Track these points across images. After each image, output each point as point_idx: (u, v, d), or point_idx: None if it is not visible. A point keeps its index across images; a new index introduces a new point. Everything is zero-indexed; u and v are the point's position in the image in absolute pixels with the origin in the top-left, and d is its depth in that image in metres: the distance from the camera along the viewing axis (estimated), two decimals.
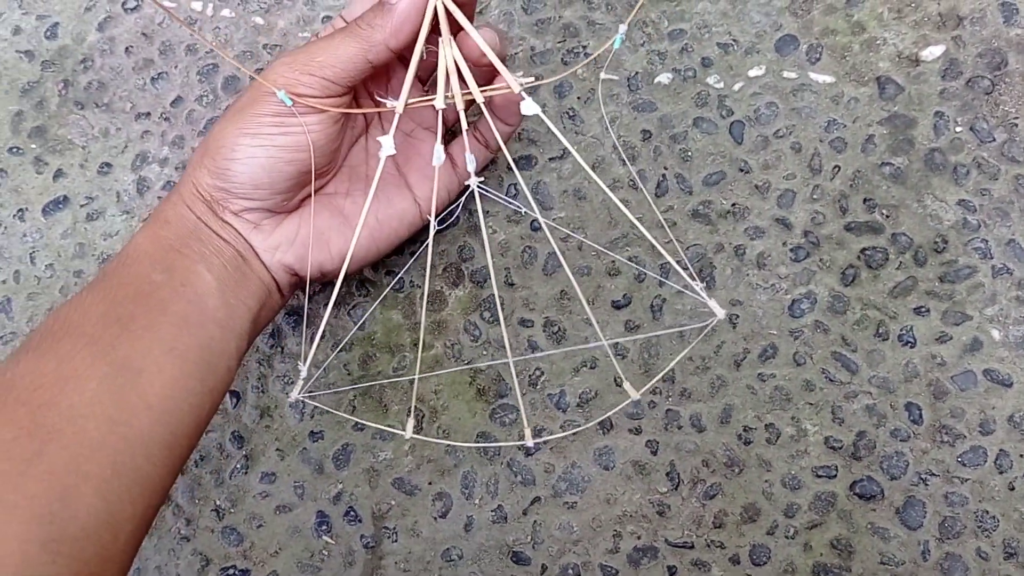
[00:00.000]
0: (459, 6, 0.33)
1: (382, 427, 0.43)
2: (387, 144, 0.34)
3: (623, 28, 0.32)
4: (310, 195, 0.38)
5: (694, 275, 0.42)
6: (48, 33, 0.52)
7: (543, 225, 0.40)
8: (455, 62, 0.34)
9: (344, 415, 0.44)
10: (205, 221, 0.36)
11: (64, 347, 0.31)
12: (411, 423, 0.38)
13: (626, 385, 0.38)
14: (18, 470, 0.27)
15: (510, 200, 0.43)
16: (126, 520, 0.29)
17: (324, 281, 0.42)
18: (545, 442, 0.42)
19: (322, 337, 0.45)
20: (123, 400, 0.30)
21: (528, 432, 0.38)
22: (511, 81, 0.34)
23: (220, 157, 0.35)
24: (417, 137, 0.41)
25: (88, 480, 0.28)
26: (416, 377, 0.43)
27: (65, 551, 0.27)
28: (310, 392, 0.43)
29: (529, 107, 0.34)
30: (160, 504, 0.32)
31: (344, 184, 0.40)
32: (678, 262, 0.43)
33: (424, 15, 0.33)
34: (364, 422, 0.43)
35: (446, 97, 0.35)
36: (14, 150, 0.50)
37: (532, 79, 0.35)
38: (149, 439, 0.31)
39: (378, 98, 0.39)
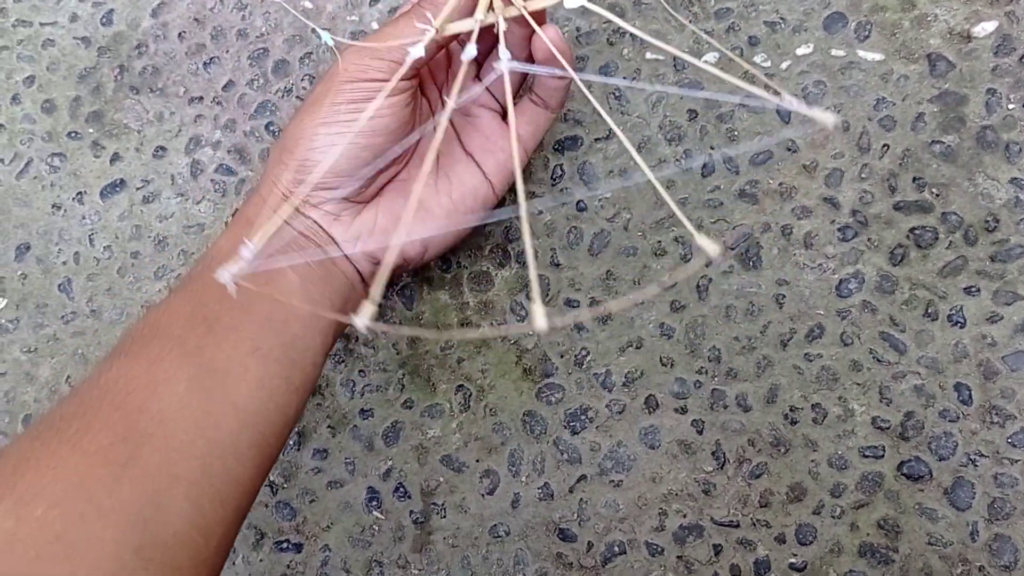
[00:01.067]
0: None
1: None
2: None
3: None
4: (387, 183, 0.39)
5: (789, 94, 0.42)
6: (104, 19, 0.53)
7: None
8: None
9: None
10: (286, 219, 0.37)
11: (153, 350, 0.31)
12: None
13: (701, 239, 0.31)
14: (113, 475, 0.27)
15: (538, 67, 0.38)
16: (216, 523, 0.30)
17: (409, 268, 0.42)
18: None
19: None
20: (211, 402, 0.31)
21: (539, 309, 0.38)
22: None
23: (300, 149, 0.36)
24: (475, 114, 0.42)
25: (178, 483, 0.29)
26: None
27: (158, 557, 0.27)
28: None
29: (572, 1, 0.33)
30: (250, 505, 0.32)
31: (417, 170, 0.40)
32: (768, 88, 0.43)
33: None
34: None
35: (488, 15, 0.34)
36: (73, 135, 0.51)
37: None
38: (237, 440, 0.31)
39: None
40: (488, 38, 0.37)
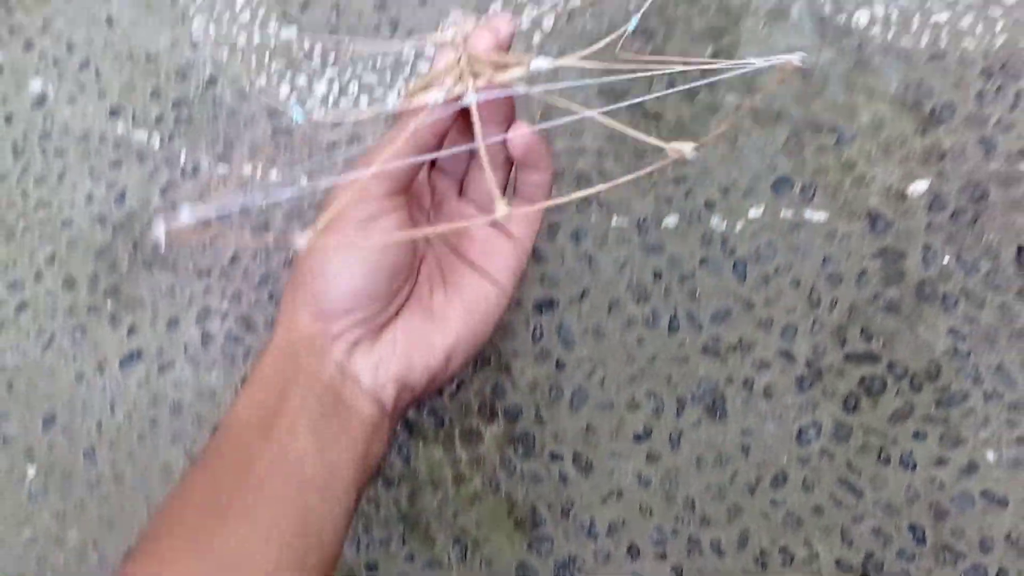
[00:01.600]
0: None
1: None
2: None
3: (635, 18, 0.35)
4: (402, 304, 0.40)
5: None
6: (117, 199, 0.58)
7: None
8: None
9: None
10: (303, 363, 0.36)
11: (165, 549, 0.33)
12: None
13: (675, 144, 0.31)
14: None
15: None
16: None
17: (435, 388, 0.42)
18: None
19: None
20: None
21: (500, 201, 0.42)
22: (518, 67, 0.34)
23: (317, 282, 0.37)
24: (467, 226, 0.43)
25: None
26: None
27: None
28: None
29: (539, 63, 0.33)
30: None
31: (425, 282, 0.41)
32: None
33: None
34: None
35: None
36: (92, 309, 0.56)
37: (541, 58, 0.34)
38: None
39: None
40: (464, 160, 0.41)
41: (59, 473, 0.54)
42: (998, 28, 0.49)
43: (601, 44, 0.36)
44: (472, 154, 0.39)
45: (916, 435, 0.45)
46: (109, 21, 0.63)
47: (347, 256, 0.37)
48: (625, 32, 0.36)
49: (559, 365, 0.49)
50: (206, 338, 0.54)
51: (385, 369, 0.38)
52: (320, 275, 0.37)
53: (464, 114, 0.37)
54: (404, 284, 0.39)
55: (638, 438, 0.48)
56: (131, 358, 0.55)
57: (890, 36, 0.51)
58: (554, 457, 0.48)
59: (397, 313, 0.39)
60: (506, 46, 0.37)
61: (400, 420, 0.43)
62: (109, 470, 0.53)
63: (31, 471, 0.54)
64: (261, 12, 0.61)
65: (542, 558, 0.47)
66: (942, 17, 0.50)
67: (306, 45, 0.59)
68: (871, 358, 0.46)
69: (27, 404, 0.55)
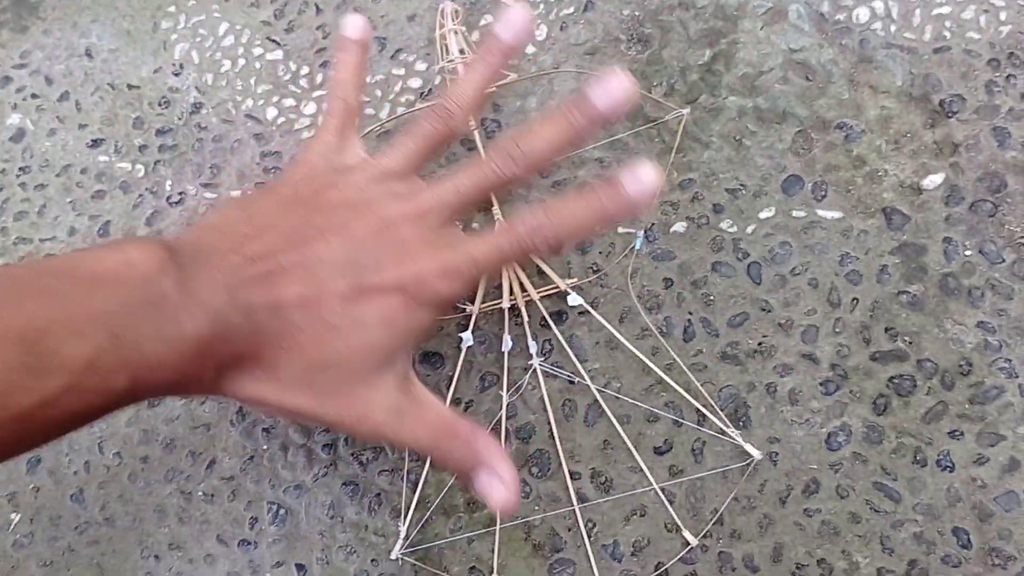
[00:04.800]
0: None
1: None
2: (467, 337, 0.46)
3: (640, 235, 0.37)
4: None
5: (726, 421, 0.44)
6: (100, 231, 0.55)
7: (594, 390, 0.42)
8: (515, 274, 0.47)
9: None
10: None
11: None
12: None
13: (685, 533, 0.41)
14: None
15: (570, 375, 0.47)
16: None
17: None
18: None
19: (416, 491, 0.47)
20: None
21: None
22: (559, 283, 0.44)
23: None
24: None
25: None
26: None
27: None
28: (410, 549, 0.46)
29: (574, 299, 0.46)
30: None
31: None
32: (706, 407, 0.45)
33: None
34: None
35: (510, 299, 0.46)
36: None
37: (576, 280, 0.46)
38: None
39: (457, 304, 0.46)
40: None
41: (46, 518, 0.50)
42: (1002, 17, 0.48)
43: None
44: None
45: (952, 434, 0.43)
46: (89, 52, 0.61)
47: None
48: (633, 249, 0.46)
49: (571, 380, 0.47)
50: None
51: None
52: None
53: None
54: None
55: (659, 452, 0.45)
56: None
57: (892, 30, 0.50)
58: (572, 476, 0.46)
59: None
60: (524, 41, 0.37)
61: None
62: (99, 513, 0.50)
63: (15, 517, 0.51)
64: (245, 36, 0.59)
65: None
66: (944, 9, 0.49)
67: (292, 67, 0.58)
68: (899, 357, 0.44)
69: None
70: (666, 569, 0.43)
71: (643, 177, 0.33)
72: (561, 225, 0.35)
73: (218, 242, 0.34)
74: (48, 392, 0.28)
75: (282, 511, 0.48)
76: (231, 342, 0.32)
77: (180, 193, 0.55)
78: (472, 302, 0.47)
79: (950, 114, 0.47)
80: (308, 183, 0.38)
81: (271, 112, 0.57)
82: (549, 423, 0.46)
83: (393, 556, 0.44)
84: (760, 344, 0.46)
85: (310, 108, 0.56)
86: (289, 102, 0.57)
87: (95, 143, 0.58)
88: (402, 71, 0.55)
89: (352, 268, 0.34)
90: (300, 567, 0.47)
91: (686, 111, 0.50)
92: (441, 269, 0.35)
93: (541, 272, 0.48)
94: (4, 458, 0.30)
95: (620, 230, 0.49)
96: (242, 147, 0.56)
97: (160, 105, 0.59)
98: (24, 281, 0.30)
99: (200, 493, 0.49)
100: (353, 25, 0.42)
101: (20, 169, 0.59)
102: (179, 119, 0.58)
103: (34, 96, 0.61)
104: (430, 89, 0.55)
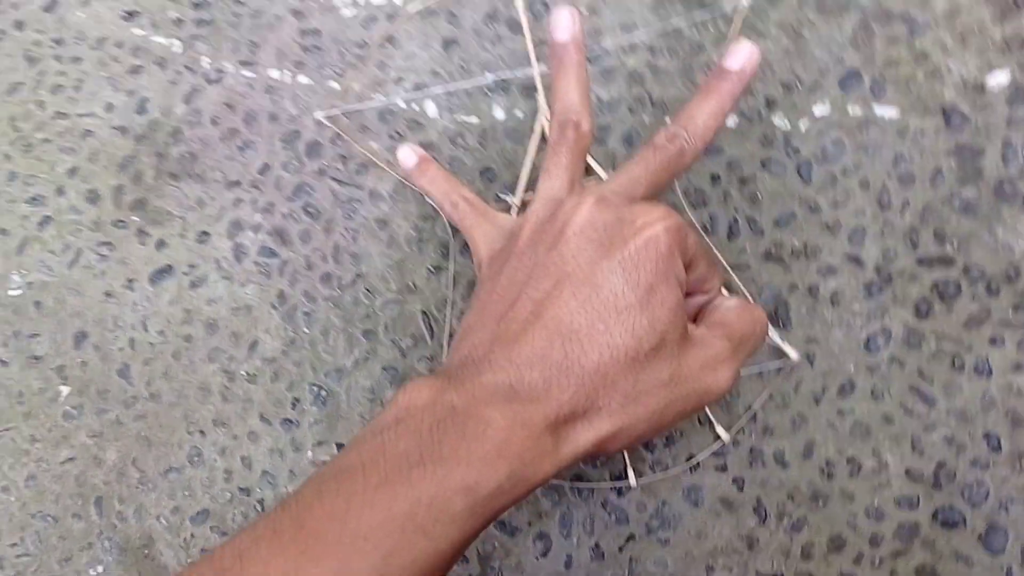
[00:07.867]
0: None
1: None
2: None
3: None
4: None
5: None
6: (138, 108, 0.55)
7: None
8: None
9: None
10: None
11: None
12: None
13: (717, 428, 0.42)
14: None
15: None
16: None
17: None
18: (646, 484, 0.45)
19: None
20: None
21: (632, 473, 0.42)
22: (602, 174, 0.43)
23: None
24: None
25: None
26: None
27: None
28: None
29: None
30: None
31: None
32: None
33: None
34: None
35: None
36: (118, 223, 0.53)
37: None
38: None
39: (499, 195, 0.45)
40: None
41: (94, 391, 0.52)
42: None
43: None
44: None
45: (993, 340, 0.43)
46: None
47: None
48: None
49: None
50: (239, 252, 0.52)
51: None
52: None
53: None
54: None
55: None
56: (161, 273, 0.52)
57: None
58: None
59: None
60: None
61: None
62: (144, 388, 0.52)
63: (64, 390, 0.52)
64: None
65: (598, 470, 0.46)
66: None
67: None
68: (945, 261, 0.44)
69: (57, 322, 0.53)
70: (698, 462, 0.45)
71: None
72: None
73: (472, 335, 0.34)
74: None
75: (323, 392, 0.49)
76: (542, 400, 0.31)
77: (218, 71, 0.54)
78: None
79: (1022, 7, 0.45)
80: (536, 235, 0.36)
81: None
82: None
83: None
84: (805, 245, 0.45)
85: None
86: None
87: (129, 15, 0.57)
88: None
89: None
90: (340, 446, 0.49)
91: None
92: (676, 225, 0.34)
93: (587, 169, 0.47)
94: None
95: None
96: (281, 24, 0.54)
97: None
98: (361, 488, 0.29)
99: (243, 373, 0.50)
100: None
101: (54, 41, 0.57)
102: None
103: None
104: None
